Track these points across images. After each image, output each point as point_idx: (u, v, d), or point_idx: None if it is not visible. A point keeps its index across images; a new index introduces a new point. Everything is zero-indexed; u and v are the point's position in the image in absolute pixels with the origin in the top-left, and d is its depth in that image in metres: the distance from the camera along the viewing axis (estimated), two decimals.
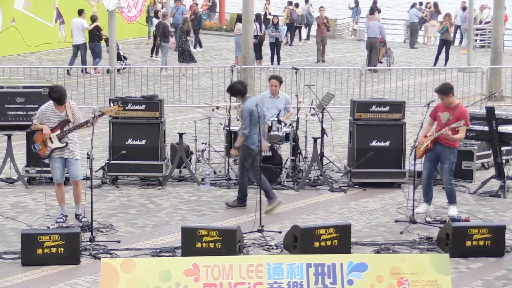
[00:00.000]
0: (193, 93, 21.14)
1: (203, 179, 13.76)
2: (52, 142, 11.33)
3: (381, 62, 28.42)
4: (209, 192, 13.31)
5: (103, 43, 25.42)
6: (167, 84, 21.78)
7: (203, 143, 14.72)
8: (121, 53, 26.45)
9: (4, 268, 9.95)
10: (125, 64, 26.04)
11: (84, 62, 25.02)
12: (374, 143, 13.61)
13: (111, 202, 12.75)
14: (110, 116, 13.04)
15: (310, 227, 10.59)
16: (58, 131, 11.31)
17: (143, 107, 13.64)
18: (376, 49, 27.62)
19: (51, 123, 11.32)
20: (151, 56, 28.82)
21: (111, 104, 12.56)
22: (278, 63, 27.18)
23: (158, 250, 10.49)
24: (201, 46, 31.46)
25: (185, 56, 24.85)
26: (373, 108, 13.73)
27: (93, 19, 25.84)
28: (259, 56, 26.69)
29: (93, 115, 11.29)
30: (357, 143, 13.64)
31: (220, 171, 14.28)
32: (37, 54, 29.46)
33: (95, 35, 25.44)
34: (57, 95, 11.23)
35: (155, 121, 13.67)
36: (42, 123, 11.38)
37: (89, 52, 25.19)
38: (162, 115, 13.80)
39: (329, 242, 10.34)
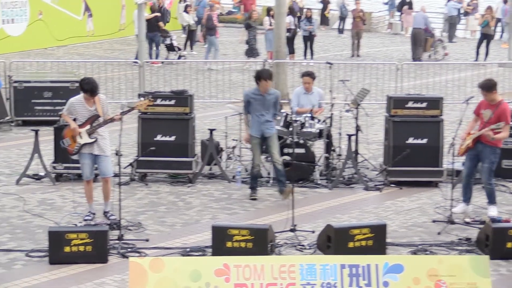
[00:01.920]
0: (224, 88, 21.17)
1: (234, 177, 13.78)
2: (81, 137, 11.38)
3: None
4: (240, 190, 13.33)
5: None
6: (197, 79, 21.84)
7: (234, 140, 14.73)
8: (175, 44, 26.76)
9: (32, 267, 10.03)
10: (180, 56, 26.31)
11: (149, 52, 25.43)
12: (410, 141, 13.54)
13: (139, 200, 12.81)
14: (139, 111, 13.07)
15: (344, 226, 10.56)
16: (88, 126, 11.35)
17: (172, 102, 13.68)
18: (420, 41, 27.47)
19: (80, 117, 11.38)
20: (184, 50, 28.93)
21: (141, 99, 12.53)
22: (312, 58, 27.14)
23: (188, 249, 10.52)
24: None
25: (251, 50, 24.97)
26: (410, 104, 13.65)
27: (153, 9, 26.22)
28: (291, 51, 26.67)
29: (121, 111, 11.33)
30: (393, 141, 13.59)
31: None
32: (65, 48, 29.68)
33: (154, 25, 25.83)
34: (90, 87, 11.23)
35: (184, 117, 13.70)
36: (70, 115, 11.44)
37: None
38: (192, 110, 13.82)
39: (363, 243, 10.30)
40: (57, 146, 13.14)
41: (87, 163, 11.45)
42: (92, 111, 11.35)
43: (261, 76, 12.46)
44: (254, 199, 12.77)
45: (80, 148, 11.40)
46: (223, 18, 36.86)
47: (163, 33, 26.88)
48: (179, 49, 27.01)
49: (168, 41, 26.90)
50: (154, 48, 26.46)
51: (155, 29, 26.16)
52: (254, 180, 12.91)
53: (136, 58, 24.89)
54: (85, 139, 11.37)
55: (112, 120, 11.31)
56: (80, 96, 11.40)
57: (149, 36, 25.72)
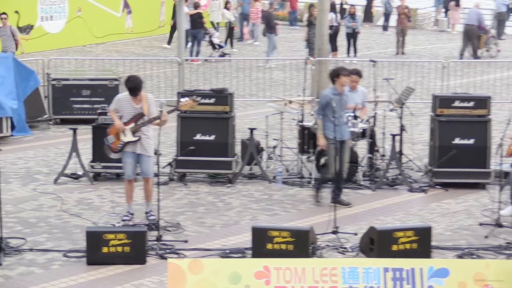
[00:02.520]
0: (265, 86, 21.18)
1: (274, 177, 13.78)
2: (125, 135, 11.43)
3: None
4: (281, 190, 13.33)
5: None
6: (237, 77, 21.87)
7: (275, 139, 14.73)
8: (216, 41, 26.87)
9: (69, 267, 10.13)
10: (223, 53, 26.38)
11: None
12: (457, 141, 13.44)
13: (178, 200, 12.87)
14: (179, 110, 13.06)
15: (388, 229, 10.50)
16: (132, 124, 11.40)
17: (212, 101, 13.70)
18: (473, 38, 27.23)
19: (125, 114, 11.42)
20: (224, 46, 28.97)
21: (183, 98, 12.39)
22: (355, 55, 27.05)
23: (227, 251, 10.54)
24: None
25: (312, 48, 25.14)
26: (456, 104, 13.55)
27: (196, 5, 26.35)
28: (334, 48, 26.60)
29: (160, 110, 11.30)
30: (439, 141, 13.49)
31: (292, 169, 14.27)
32: (104, 45, 29.91)
33: (197, 21, 26.00)
34: (132, 85, 11.29)
35: (224, 116, 13.72)
36: (117, 112, 11.51)
37: None
38: (232, 109, 13.84)
39: (408, 246, 10.24)
40: (95, 145, 13.24)
41: (129, 161, 11.50)
42: (137, 109, 11.39)
43: (340, 72, 12.32)
44: (319, 202, 12.67)
45: (123, 146, 11.46)
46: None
47: (204, 30, 27.00)
48: (220, 47, 27.06)
49: (207, 39, 26.98)
50: (195, 46, 26.57)
51: (198, 26, 26.25)
52: (324, 183, 12.74)
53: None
54: (128, 137, 11.42)
55: (156, 119, 11.32)
56: (127, 93, 11.45)
57: (192, 33, 25.85)
